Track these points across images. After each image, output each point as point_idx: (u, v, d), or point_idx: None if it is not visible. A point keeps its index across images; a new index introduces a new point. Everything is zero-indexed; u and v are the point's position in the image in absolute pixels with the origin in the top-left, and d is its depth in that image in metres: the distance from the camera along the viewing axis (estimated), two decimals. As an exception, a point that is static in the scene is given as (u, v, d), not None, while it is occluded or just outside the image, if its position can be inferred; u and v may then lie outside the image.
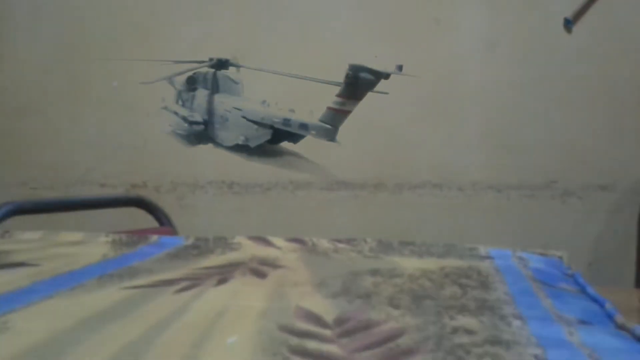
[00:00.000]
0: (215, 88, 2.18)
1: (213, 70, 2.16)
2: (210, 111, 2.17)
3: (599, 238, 2.03)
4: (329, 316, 0.50)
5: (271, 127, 2.10)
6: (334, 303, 0.55)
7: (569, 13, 1.99)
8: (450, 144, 2.07)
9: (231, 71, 2.15)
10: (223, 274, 0.66)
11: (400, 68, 1.98)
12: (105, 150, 2.21)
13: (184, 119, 2.17)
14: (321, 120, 2.03)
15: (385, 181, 2.10)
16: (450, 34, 2.06)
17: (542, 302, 0.57)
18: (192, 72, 2.17)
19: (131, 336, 0.45)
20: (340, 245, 0.83)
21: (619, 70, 1.99)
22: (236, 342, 0.44)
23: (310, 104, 2.10)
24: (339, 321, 0.49)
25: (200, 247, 0.82)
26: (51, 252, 0.78)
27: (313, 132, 2.04)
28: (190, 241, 0.86)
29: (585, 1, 1.98)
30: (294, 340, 0.44)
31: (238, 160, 2.16)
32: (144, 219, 1.30)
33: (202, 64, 2.15)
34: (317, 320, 0.50)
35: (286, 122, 2.07)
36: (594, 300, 0.59)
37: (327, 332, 0.47)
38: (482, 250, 0.80)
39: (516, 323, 0.49)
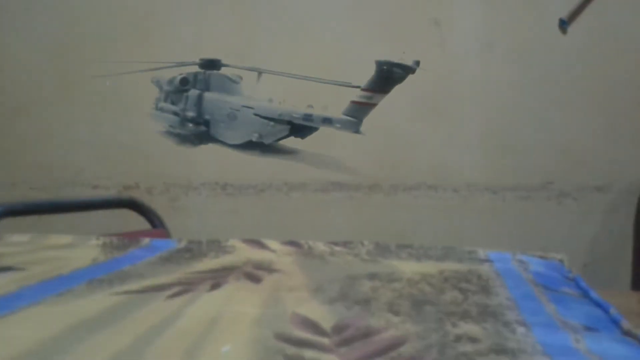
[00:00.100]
0: (208, 88, 2.17)
1: (204, 70, 2.15)
2: (210, 111, 2.17)
3: (594, 239, 2.02)
4: (327, 323, 0.49)
5: (289, 122, 2.12)
6: (331, 309, 0.53)
7: (566, 13, 1.99)
8: (446, 144, 2.06)
9: (231, 71, 2.15)
10: (216, 279, 0.64)
11: (417, 63, 2.05)
12: (97, 151, 2.19)
13: (186, 119, 2.16)
14: (345, 114, 2.09)
15: (381, 182, 2.09)
16: (447, 35, 2.05)
17: (546, 307, 0.55)
18: (185, 73, 2.16)
19: (121, 344, 0.43)
20: (337, 248, 0.81)
21: (615, 71, 1.99)
22: (230, 351, 0.43)
23: (311, 102, 2.10)
24: (338, 329, 0.47)
25: (193, 251, 0.80)
26: (39, 256, 0.76)
27: (338, 125, 2.10)
28: (182, 244, 0.84)
29: (580, 2, 1.98)
30: (291, 350, 0.42)
31: (232, 161, 2.15)
32: (137, 221, 1.29)
33: (190, 64, 2.14)
34: (314, 327, 0.48)
35: (307, 117, 2.11)
36: (598, 305, 0.57)
37: (325, 341, 0.45)
38: (481, 253, 0.79)
39: (520, 330, 0.48)
